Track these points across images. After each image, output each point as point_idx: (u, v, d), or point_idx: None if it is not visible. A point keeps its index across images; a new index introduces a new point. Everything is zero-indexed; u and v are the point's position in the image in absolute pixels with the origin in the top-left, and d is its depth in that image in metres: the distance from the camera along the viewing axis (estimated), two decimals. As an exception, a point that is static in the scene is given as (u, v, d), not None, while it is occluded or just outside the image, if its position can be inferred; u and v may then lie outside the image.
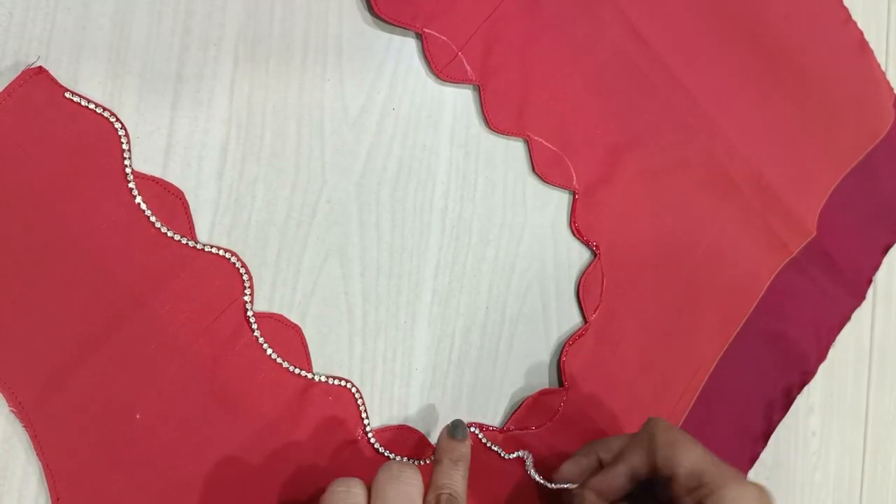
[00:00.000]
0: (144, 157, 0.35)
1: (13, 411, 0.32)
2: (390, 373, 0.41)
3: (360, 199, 0.40)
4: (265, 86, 0.38)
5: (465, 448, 0.40)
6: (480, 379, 0.44)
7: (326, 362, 0.39)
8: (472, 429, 0.42)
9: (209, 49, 0.36)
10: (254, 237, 0.37)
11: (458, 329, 0.43)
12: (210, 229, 0.36)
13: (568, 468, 0.43)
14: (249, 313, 0.37)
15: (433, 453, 0.40)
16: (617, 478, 0.41)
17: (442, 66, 0.41)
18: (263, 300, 0.38)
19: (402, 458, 0.40)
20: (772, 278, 0.55)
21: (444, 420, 0.42)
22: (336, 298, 0.39)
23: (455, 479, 0.39)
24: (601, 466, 0.43)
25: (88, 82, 0.34)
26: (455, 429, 0.40)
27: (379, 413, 0.40)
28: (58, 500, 0.33)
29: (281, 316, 0.38)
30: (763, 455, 0.55)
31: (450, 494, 0.37)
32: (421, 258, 0.42)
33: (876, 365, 0.65)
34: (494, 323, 0.44)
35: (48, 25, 0.33)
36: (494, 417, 0.44)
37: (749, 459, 0.55)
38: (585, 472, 0.43)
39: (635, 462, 0.41)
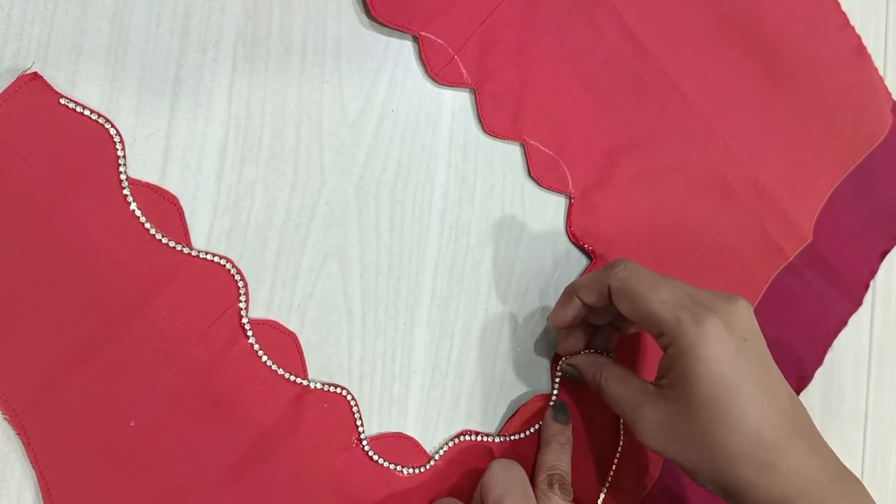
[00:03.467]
0: (143, 160, 0.35)
1: (6, 418, 0.32)
2: (389, 374, 0.41)
3: (358, 200, 0.40)
4: (264, 87, 0.38)
5: (569, 431, 0.43)
6: (480, 380, 0.43)
7: (325, 364, 0.39)
8: (466, 437, 0.42)
9: (208, 51, 0.36)
10: (252, 239, 0.37)
11: (458, 330, 0.43)
12: (209, 231, 0.36)
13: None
14: (244, 320, 0.36)
15: (539, 434, 0.43)
16: (571, 309, 0.42)
17: (438, 70, 0.41)
18: (262, 302, 0.37)
19: (397, 466, 0.40)
20: (768, 283, 0.55)
21: (444, 421, 0.42)
22: (335, 300, 0.39)
23: (564, 460, 0.41)
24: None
25: (87, 84, 0.34)
26: (558, 412, 0.43)
27: (378, 414, 0.40)
28: None
29: (276, 322, 0.38)
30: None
31: (560, 475, 0.40)
32: (420, 259, 0.42)
33: (875, 365, 0.65)
34: (494, 324, 0.44)
35: (46, 27, 0.33)
36: (494, 419, 0.44)
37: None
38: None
39: (591, 299, 0.41)
